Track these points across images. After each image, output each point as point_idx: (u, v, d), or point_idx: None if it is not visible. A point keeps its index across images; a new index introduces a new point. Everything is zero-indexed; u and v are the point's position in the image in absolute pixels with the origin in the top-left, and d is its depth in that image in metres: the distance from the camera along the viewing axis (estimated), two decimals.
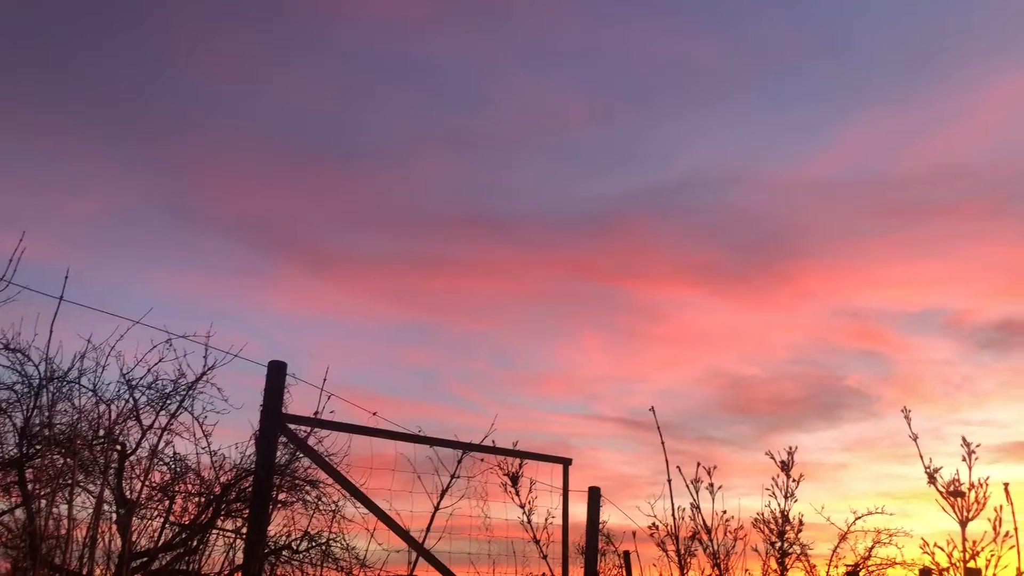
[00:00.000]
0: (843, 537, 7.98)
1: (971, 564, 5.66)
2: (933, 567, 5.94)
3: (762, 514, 7.53)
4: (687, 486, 7.10)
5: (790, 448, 7.40)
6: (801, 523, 7.46)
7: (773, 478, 7.43)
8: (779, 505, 7.52)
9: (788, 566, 7.55)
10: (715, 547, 7.04)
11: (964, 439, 5.76)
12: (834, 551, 7.91)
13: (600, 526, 7.26)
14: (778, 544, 7.43)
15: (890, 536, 8.42)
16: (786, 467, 7.38)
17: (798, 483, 7.37)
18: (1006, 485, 5.51)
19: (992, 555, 5.60)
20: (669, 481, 6.80)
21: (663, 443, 6.62)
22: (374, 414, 5.85)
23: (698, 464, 7.01)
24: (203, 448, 6.28)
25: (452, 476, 6.10)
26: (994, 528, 5.57)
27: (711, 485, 6.91)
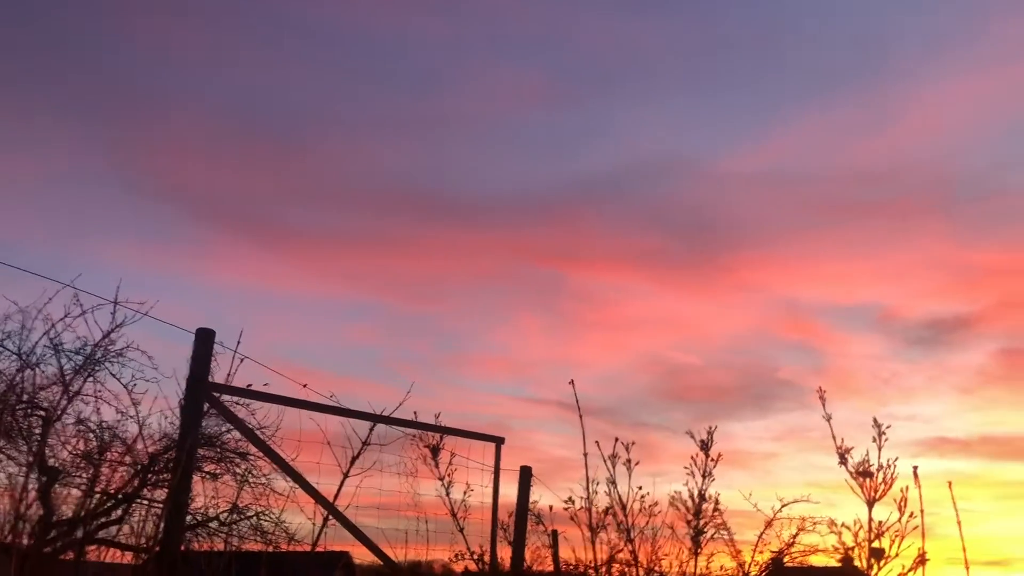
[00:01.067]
0: (769, 524, 8.14)
1: (875, 544, 5.82)
2: (842, 546, 6.08)
3: (679, 493, 7.62)
4: (603, 461, 7.15)
5: (710, 428, 7.46)
6: (718, 504, 7.56)
7: (692, 457, 7.50)
8: (697, 485, 7.62)
9: (703, 546, 7.69)
10: (628, 523, 7.12)
11: (875, 420, 5.90)
12: (760, 537, 8.08)
13: (530, 506, 7.33)
14: (694, 523, 7.54)
15: (814, 524, 8.63)
16: (705, 447, 7.47)
17: (716, 463, 7.46)
18: (915, 468, 5.66)
19: (896, 535, 5.75)
20: (585, 455, 6.84)
21: (580, 416, 6.66)
22: (304, 386, 5.82)
23: (615, 439, 7.05)
24: (131, 416, 6.19)
25: (364, 443, 6.05)
26: (899, 509, 5.72)
27: (628, 461, 6.96)
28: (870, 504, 5.86)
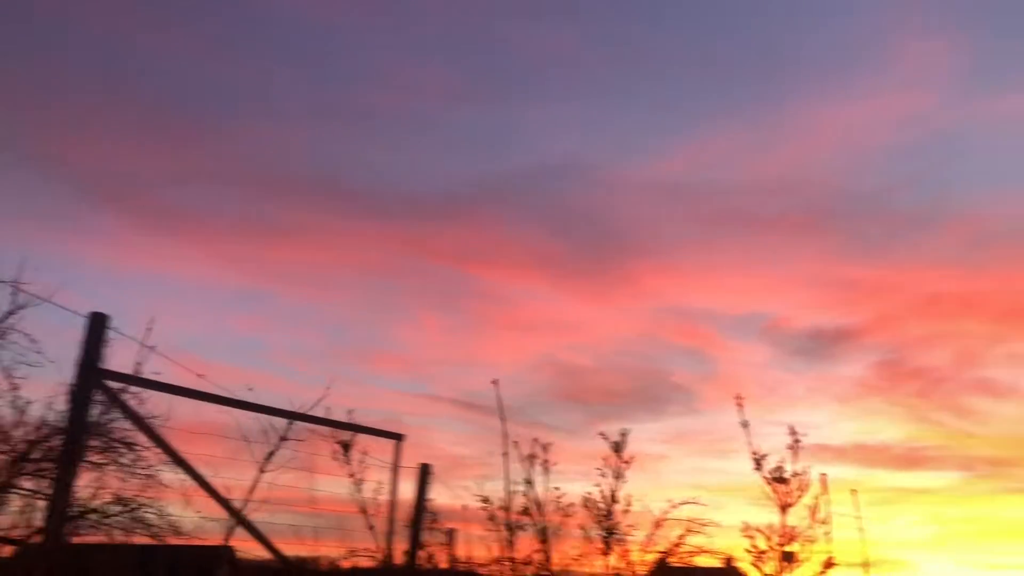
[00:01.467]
0: (658, 524, 8.37)
1: (787, 548, 6.03)
2: (752, 550, 6.28)
3: (591, 495, 7.78)
4: (521, 462, 7.22)
5: (623, 430, 7.64)
6: (629, 504, 7.76)
7: (604, 458, 7.67)
8: (609, 486, 7.80)
9: (611, 547, 7.86)
10: (544, 523, 7.21)
11: (792, 428, 6.12)
12: (649, 537, 8.29)
13: (427, 503, 7.31)
14: (605, 524, 7.71)
15: (701, 526, 8.93)
16: (618, 448, 7.64)
17: (629, 465, 7.64)
18: (823, 475, 5.92)
19: (806, 541, 5.97)
20: (506, 454, 6.85)
21: (502, 417, 6.68)
22: (200, 376, 5.65)
23: (534, 439, 7.12)
24: (11, 402, 5.87)
25: (282, 438, 5.94)
26: (812, 515, 5.95)
27: (545, 462, 7.04)
28: (783, 508, 6.07)
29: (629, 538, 8.23)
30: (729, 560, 10.57)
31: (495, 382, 6.68)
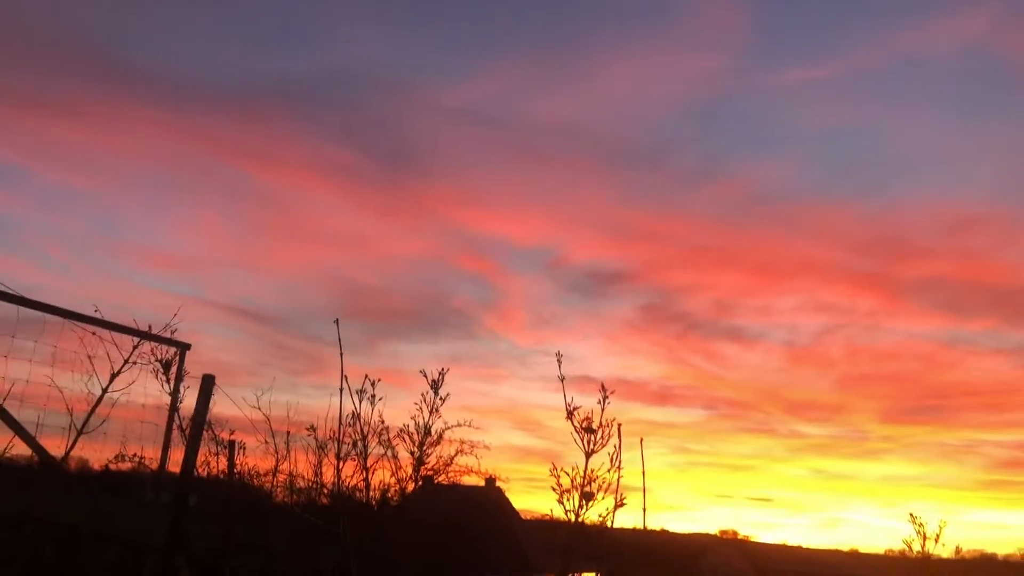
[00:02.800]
0: (433, 444, 8.86)
1: (587, 488, 6.58)
2: (556, 488, 6.75)
3: (407, 425, 8.22)
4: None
5: (442, 369, 8.00)
6: (441, 436, 8.28)
7: (423, 395, 8.06)
8: (424, 419, 8.24)
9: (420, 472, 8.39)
10: (366, 451, 7.42)
11: (603, 386, 6.59)
12: (421, 456, 8.77)
13: (208, 414, 7.23)
14: (417, 453, 8.20)
15: (472, 447, 9.55)
16: (436, 386, 8.01)
17: (444, 401, 8.07)
18: (619, 425, 6.46)
19: (605, 482, 6.53)
20: (341, 391, 6.84)
21: (341, 354, 6.66)
22: None
23: (365, 376, 7.23)
24: None
25: (125, 360, 5.67)
26: (611, 461, 6.52)
27: (373, 396, 7.16)
28: (588, 455, 6.57)
29: (397, 456, 8.71)
30: (492, 479, 11.36)
31: (336, 321, 6.68)
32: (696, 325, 66.59)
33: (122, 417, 6.51)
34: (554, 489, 6.88)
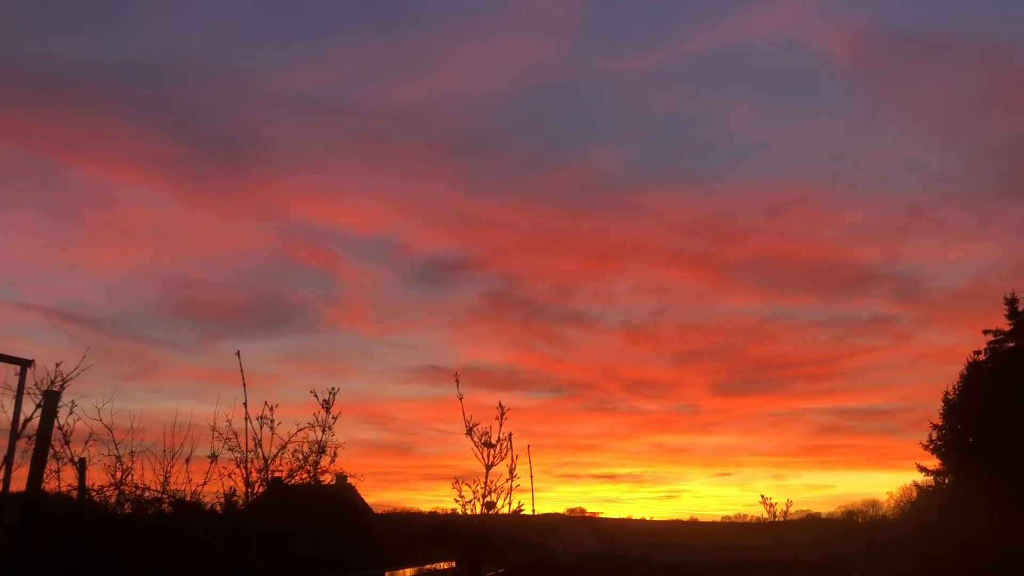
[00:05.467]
0: (283, 446, 9.00)
1: (489, 499, 6.97)
2: (459, 499, 7.09)
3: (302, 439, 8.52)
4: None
5: (332, 389, 8.26)
6: (336, 453, 8.49)
7: (315, 414, 8.27)
8: (319, 437, 8.40)
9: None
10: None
11: (500, 404, 6.95)
12: (275, 458, 8.87)
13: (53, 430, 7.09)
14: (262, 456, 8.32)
15: (334, 448, 9.76)
16: (327, 405, 8.20)
17: (336, 420, 8.27)
18: (528, 447, 6.89)
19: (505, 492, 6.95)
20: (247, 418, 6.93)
21: (244, 385, 6.69)
22: None
23: (264, 403, 7.51)
24: None
25: None
26: (510, 472, 6.95)
27: (271, 421, 7.30)
28: (488, 467, 6.97)
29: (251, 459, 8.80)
30: (343, 476, 11.64)
31: (238, 354, 6.76)
32: (538, 311, 68.52)
33: None
34: (457, 500, 7.26)
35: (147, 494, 8.34)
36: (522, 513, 7.24)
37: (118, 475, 7.95)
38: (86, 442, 7.53)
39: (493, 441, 7.07)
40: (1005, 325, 31.87)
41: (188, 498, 8.67)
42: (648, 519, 78.44)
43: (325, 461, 8.94)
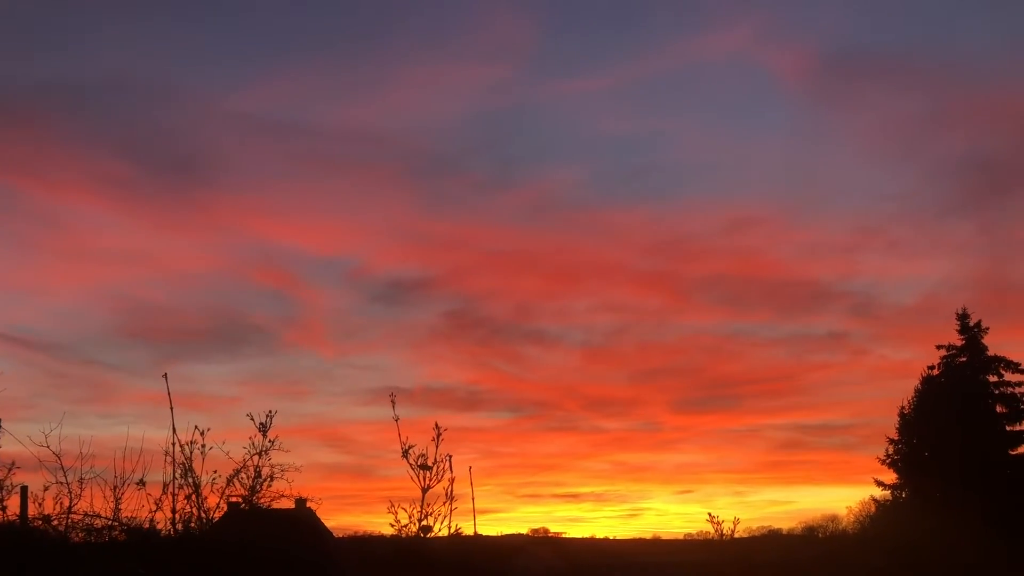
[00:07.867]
0: (240, 469, 8.86)
1: (425, 522, 6.88)
2: (395, 524, 6.98)
3: (242, 462, 8.37)
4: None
5: (270, 412, 8.13)
6: (272, 477, 8.35)
7: (251, 438, 8.14)
8: (256, 462, 8.27)
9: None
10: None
11: (436, 424, 6.88)
12: (230, 482, 8.72)
13: None
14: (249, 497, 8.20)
15: (282, 471, 9.62)
16: (264, 429, 8.05)
17: (273, 443, 8.12)
18: (470, 468, 6.82)
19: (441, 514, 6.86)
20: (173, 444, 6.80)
21: (171, 407, 6.58)
22: None
23: (195, 427, 7.19)
24: None
25: None
26: (447, 494, 6.88)
27: (203, 446, 7.13)
28: (424, 490, 6.89)
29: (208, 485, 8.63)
30: (303, 500, 11.48)
31: (165, 376, 6.64)
32: (498, 330, 68.46)
33: None
34: (392, 525, 7.18)
35: (96, 521, 8.12)
36: (462, 535, 7.21)
37: (65, 502, 7.73)
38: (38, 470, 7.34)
39: (430, 463, 6.98)
40: (957, 340, 32.61)
41: (146, 525, 8.46)
42: (611, 538, 78.40)
43: (264, 486, 8.75)
